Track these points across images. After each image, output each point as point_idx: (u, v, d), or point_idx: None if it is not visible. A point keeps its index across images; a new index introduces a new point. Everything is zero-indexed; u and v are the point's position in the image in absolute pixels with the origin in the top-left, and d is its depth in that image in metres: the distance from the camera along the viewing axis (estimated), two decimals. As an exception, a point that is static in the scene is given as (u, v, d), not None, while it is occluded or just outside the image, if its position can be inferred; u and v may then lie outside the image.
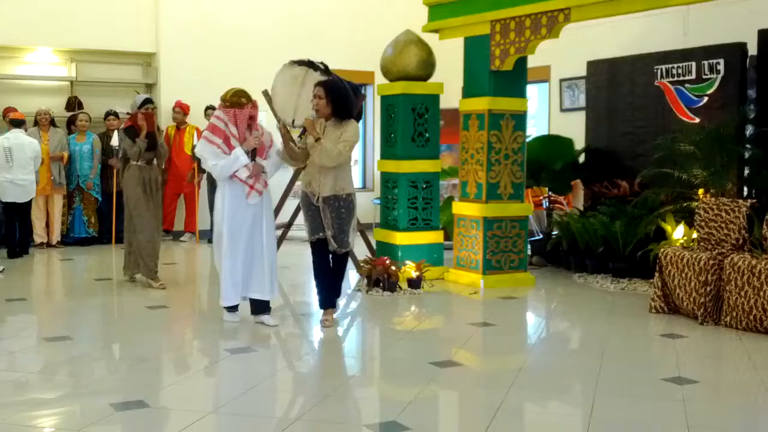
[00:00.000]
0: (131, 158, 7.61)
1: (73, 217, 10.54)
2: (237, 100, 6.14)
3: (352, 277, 8.17)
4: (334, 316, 6.20)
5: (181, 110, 11.21)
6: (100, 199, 10.67)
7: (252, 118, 6.18)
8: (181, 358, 5.41)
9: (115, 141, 10.63)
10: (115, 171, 10.61)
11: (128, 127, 7.66)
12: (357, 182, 12.87)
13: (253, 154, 6.07)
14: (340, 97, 5.97)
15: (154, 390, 4.60)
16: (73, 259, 9.52)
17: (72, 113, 10.88)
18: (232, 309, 6.23)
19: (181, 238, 11.25)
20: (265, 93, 8.54)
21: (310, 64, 8.30)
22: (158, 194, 7.78)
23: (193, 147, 11.15)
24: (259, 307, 6.14)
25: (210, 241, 11.19)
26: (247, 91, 6.28)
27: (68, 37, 11.10)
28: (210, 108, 11.09)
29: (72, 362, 5.15)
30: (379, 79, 8.94)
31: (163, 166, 8.02)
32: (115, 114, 10.84)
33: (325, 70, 8.29)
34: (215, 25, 11.66)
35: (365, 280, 7.40)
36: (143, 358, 5.31)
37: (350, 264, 7.67)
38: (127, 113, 7.65)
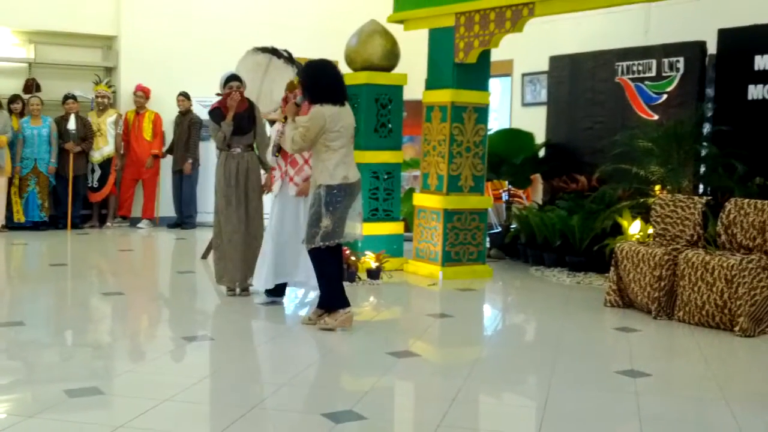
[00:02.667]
0: (218, 145, 6.58)
1: (26, 201, 10.36)
2: (286, 92, 6.20)
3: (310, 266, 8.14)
4: (309, 314, 5.88)
5: (143, 94, 11.09)
6: (53, 182, 10.51)
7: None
8: (136, 345, 5.36)
9: (72, 125, 10.51)
10: (71, 155, 10.48)
11: (213, 109, 6.56)
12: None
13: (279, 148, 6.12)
14: (306, 78, 5.64)
15: (109, 377, 4.56)
16: (27, 244, 9.38)
17: (11, 95, 10.65)
18: (269, 293, 6.40)
19: (139, 225, 11.14)
20: (227, 79, 8.46)
21: (273, 52, 8.24)
22: (252, 187, 6.57)
23: (170, 131, 11.06)
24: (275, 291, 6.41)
25: (169, 226, 11.15)
26: (293, 80, 6.25)
27: (28, 18, 10.91)
28: (182, 95, 10.97)
29: (25, 348, 5.07)
30: (343, 69, 8.90)
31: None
32: (74, 97, 10.69)
33: (289, 58, 8.24)
34: (178, 9, 11.54)
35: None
36: (98, 345, 5.25)
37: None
38: (218, 94, 6.62)
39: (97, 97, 10.97)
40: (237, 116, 6.48)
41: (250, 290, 6.64)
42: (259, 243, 6.54)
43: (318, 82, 5.56)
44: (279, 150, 6.11)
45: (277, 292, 6.44)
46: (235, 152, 6.52)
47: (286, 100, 6.14)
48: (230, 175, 6.47)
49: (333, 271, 5.65)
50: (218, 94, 6.62)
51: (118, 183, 11.17)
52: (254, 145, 6.67)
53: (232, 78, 6.60)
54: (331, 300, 5.62)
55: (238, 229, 6.49)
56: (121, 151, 11.10)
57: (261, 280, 6.33)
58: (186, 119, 10.97)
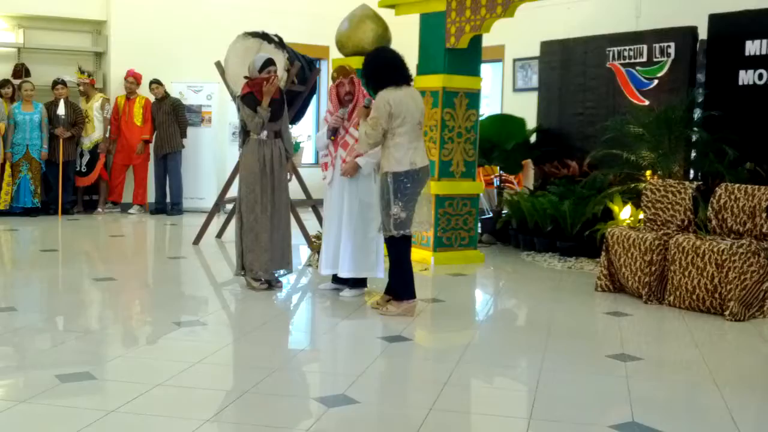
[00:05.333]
0: (252, 131, 6.26)
1: (18, 186, 10.30)
2: (333, 76, 6.13)
3: (303, 252, 8.15)
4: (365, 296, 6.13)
5: (135, 80, 11.05)
6: (44, 168, 10.46)
7: (347, 93, 6.05)
8: (128, 330, 5.35)
9: (61, 110, 10.45)
10: (61, 140, 10.43)
11: (246, 94, 6.26)
12: (310, 158, 12.83)
13: (333, 131, 6.06)
14: (364, 68, 5.65)
15: (101, 362, 4.55)
16: (18, 230, 9.34)
17: (1, 79, 10.58)
18: (336, 281, 6.31)
19: (130, 210, 11.12)
20: (218, 64, 8.44)
21: (264, 37, 8.21)
22: (282, 174, 6.38)
23: (151, 119, 11.06)
24: (340, 280, 6.28)
25: (152, 212, 11.11)
26: (344, 65, 6.21)
27: (16, 3, 10.83)
28: (154, 82, 10.94)
29: (17, 333, 5.05)
30: (334, 54, 8.89)
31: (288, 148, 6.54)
32: (63, 82, 10.63)
33: (280, 43, 8.22)
34: (168, -7, 11.47)
35: (317, 256, 7.35)
36: (89, 330, 5.24)
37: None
38: (246, 78, 6.40)
39: (78, 85, 10.92)
40: (272, 102, 6.26)
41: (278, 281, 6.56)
42: (287, 232, 6.47)
43: (373, 67, 5.58)
44: (334, 134, 6.07)
45: (342, 281, 6.30)
46: (266, 139, 6.30)
47: (337, 86, 6.10)
48: (264, 162, 6.27)
49: (406, 260, 5.66)
50: (247, 78, 6.39)
51: (108, 168, 11.13)
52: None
53: (270, 62, 6.32)
54: (399, 289, 5.67)
55: (269, 217, 6.30)
56: (107, 135, 11.03)
57: (322, 264, 6.30)
58: (165, 104, 10.97)
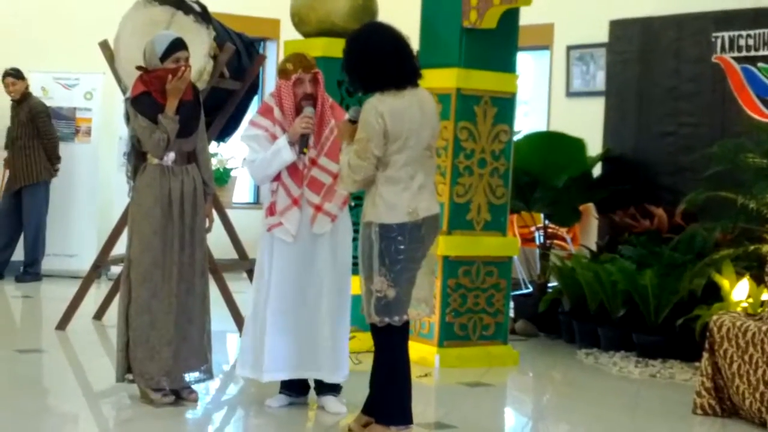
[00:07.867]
0: (151, 153, 6.22)
1: None
2: (283, 67, 6.12)
3: (231, 344, 8.09)
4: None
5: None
6: None
7: (307, 97, 6.05)
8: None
9: None
10: None
11: (140, 95, 6.18)
12: (247, 195, 12.81)
13: (304, 142, 6.05)
14: (346, 57, 5.54)
15: None
16: None
17: None
18: (288, 388, 6.30)
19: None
20: (104, 45, 8.44)
21: (178, 4, 8.23)
22: (198, 220, 6.31)
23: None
24: (323, 386, 6.28)
25: (17, 279, 11.04)
26: (302, 53, 6.23)
27: None
28: (9, 74, 10.87)
29: None
30: (288, 33, 8.91)
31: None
32: None
33: (202, 14, 8.24)
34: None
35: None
36: None
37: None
38: (140, 68, 6.27)
39: None
40: (181, 107, 6.19)
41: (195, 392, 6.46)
42: (202, 312, 6.38)
43: (360, 57, 5.48)
44: (306, 144, 6.05)
45: (301, 388, 6.31)
46: (172, 165, 6.26)
47: (294, 83, 6.05)
48: (170, 201, 6.20)
49: (396, 364, 5.57)
50: (141, 69, 6.28)
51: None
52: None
53: (178, 45, 6.25)
54: (386, 407, 5.56)
55: (176, 290, 6.22)
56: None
57: (245, 366, 6.28)
58: (23, 109, 10.89)
